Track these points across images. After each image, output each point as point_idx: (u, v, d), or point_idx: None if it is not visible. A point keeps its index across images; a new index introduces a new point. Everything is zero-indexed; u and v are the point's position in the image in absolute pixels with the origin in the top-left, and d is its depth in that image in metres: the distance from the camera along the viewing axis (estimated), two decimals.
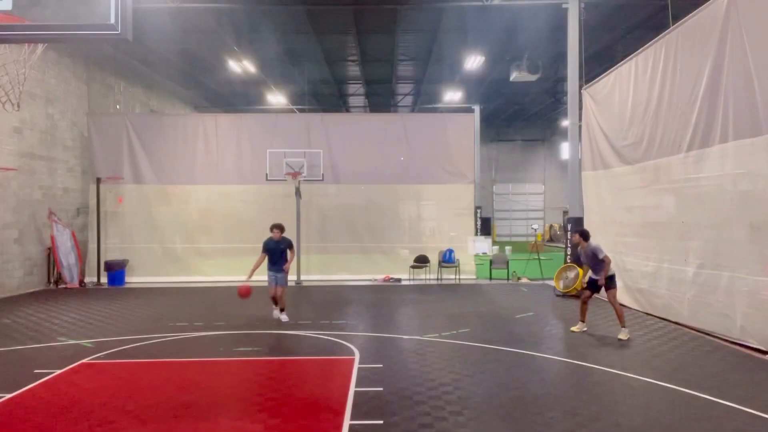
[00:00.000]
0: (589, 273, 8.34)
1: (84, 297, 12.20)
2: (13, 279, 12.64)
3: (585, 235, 8.22)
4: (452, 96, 24.00)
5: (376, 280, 14.82)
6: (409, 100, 28.45)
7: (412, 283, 14.53)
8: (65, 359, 6.84)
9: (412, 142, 15.56)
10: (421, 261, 14.90)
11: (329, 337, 8.03)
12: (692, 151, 8.48)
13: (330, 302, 11.44)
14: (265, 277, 9.10)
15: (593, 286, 8.29)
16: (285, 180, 14.02)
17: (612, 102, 11.24)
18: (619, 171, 10.97)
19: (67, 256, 13.88)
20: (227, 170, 15.44)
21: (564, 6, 13.49)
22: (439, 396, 5.42)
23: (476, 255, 16.96)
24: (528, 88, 23.84)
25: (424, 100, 27.31)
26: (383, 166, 15.47)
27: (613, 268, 8.18)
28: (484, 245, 20.82)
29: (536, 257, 15.64)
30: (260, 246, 9.77)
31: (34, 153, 13.35)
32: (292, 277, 14.42)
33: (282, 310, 9.55)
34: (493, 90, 24.70)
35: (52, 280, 13.88)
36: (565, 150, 33.19)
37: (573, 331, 8.36)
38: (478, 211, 24.77)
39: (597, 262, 8.04)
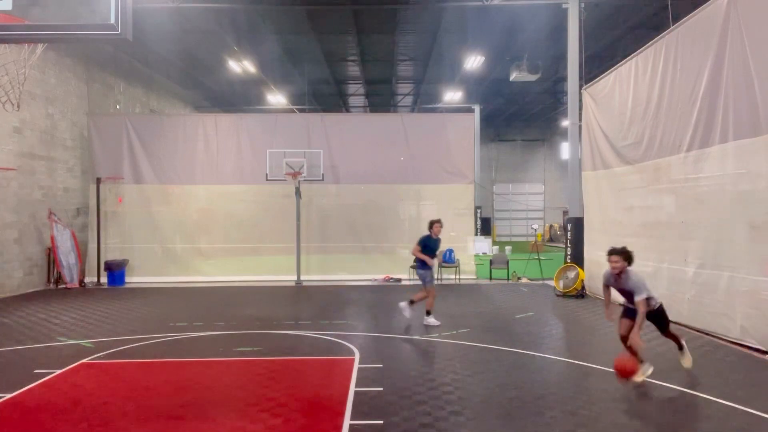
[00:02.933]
0: (625, 301, 6.17)
1: (84, 297, 12.20)
2: (13, 279, 12.64)
3: (630, 258, 5.88)
4: (452, 96, 24.01)
5: (376, 280, 14.81)
6: (409, 100, 28.46)
7: (412, 283, 14.52)
8: (65, 359, 6.83)
9: (412, 142, 15.55)
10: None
11: (329, 337, 8.02)
12: (692, 151, 8.48)
13: (330, 302, 11.44)
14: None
15: (631, 314, 5.95)
16: (285, 180, 14.02)
17: (612, 102, 11.24)
18: (619, 171, 10.97)
19: (67, 256, 13.87)
20: (227, 170, 15.44)
21: (564, 6, 13.49)
22: (439, 396, 5.42)
23: (476, 255, 16.96)
24: (528, 88, 23.87)
25: (424, 100, 27.33)
26: (383, 166, 15.46)
27: (654, 294, 6.09)
28: (484, 245, 20.83)
29: (536, 257, 15.65)
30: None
31: (34, 153, 13.35)
32: (292, 277, 14.47)
33: (429, 313, 9.03)
34: (493, 90, 24.72)
35: (52, 280, 13.87)
36: (565, 150, 33.21)
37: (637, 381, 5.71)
38: (478, 211, 24.79)
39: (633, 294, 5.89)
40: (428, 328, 8.62)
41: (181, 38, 16.80)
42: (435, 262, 8.97)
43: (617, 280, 5.93)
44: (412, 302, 8.92)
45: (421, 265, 8.92)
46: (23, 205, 12.97)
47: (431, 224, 9.07)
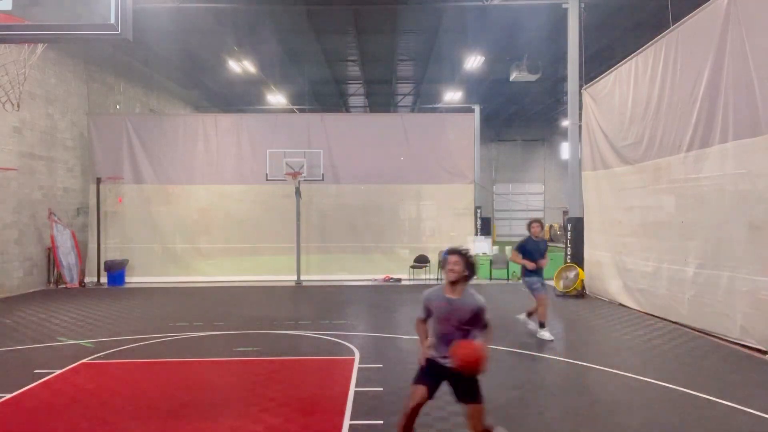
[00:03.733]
0: (432, 350, 3.92)
1: (84, 297, 12.19)
2: (13, 279, 12.64)
3: (473, 269, 4.16)
4: (452, 96, 24.01)
5: (376, 280, 14.81)
6: (409, 100, 28.45)
7: (412, 283, 14.53)
8: (65, 359, 6.83)
9: (412, 142, 15.56)
10: (421, 261, 14.91)
11: (329, 337, 8.02)
12: (692, 151, 8.48)
13: (330, 302, 11.44)
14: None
15: (439, 376, 3.90)
16: (285, 180, 14.02)
17: (612, 102, 11.24)
18: (619, 171, 10.97)
19: (67, 256, 13.88)
20: (227, 170, 15.44)
21: (564, 6, 13.49)
22: (439, 396, 5.40)
23: (476, 255, 16.95)
24: (528, 88, 23.85)
25: (424, 100, 27.32)
26: (383, 166, 15.47)
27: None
28: (484, 245, 20.79)
29: None
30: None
31: (34, 153, 13.34)
32: (292, 277, 14.47)
33: (543, 325, 7.83)
34: (493, 90, 24.71)
35: (52, 280, 13.87)
36: (565, 150, 33.19)
37: None
38: (478, 211, 24.75)
39: (473, 323, 3.93)
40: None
41: (181, 38, 16.79)
42: (537, 265, 7.72)
43: (449, 299, 3.93)
44: (529, 314, 8.06)
45: (524, 273, 7.97)
46: (23, 205, 12.97)
47: (529, 224, 8.08)
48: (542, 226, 8.00)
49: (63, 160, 14.52)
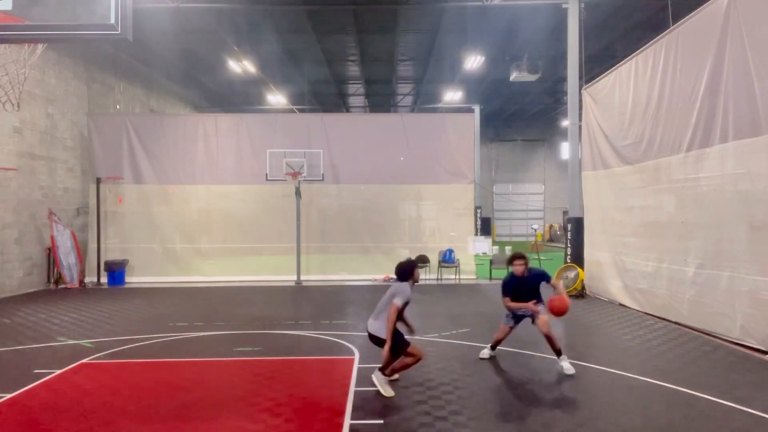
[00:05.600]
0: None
1: (84, 297, 12.19)
2: (13, 279, 12.63)
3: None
4: (452, 96, 24.02)
5: (376, 280, 14.81)
6: (409, 100, 28.46)
7: None
8: (65, 359, 6.83)
9: (412, 142, 15.56)
10: (421, 261, 14.90)
11: (329, 337, 8.02)
12: (692, 151, 8.48)
13: (330, 302, 11.44)
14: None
15: None
16: (285, 180, 14.03)
17: (612, 102, 11.24)
18: (619, 171, 10.97)
19: (67, 256, 13.87)
20: (227, 170, 15.44)
21: (564, 6, 13.49)
22: (439, 396, 5.42)
23: (476, 255, 16.96)
24: (528, 88, 23.87)
25: (424, 100, 27.33)
26: (383, 166, 15.47)
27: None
28: (484, 245, 20.79)
29: (536, 257, 15.64)
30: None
31: (34, 153, 13.34)
32: (292, 277, 14.46)
33: (559, 353, 6.32)
34: (493, 90, 24.72)
35: (52, 280, 13.87)
36: (565, 150, 33.21)
37: None
38: (478, 211, 24.77)
39: None
40: (427, 328, 8.59)
41: (181, 38, 16.80)
42: (528, 307, 6.46)
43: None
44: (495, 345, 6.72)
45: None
46: (23, 205, 12.96)
47: (509, 260, 6.58)
48: (526, 262, 6.44)
49: (63, 160, 14.52)
